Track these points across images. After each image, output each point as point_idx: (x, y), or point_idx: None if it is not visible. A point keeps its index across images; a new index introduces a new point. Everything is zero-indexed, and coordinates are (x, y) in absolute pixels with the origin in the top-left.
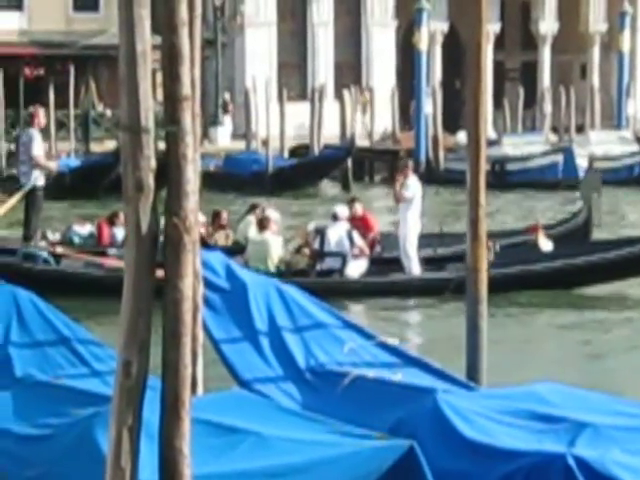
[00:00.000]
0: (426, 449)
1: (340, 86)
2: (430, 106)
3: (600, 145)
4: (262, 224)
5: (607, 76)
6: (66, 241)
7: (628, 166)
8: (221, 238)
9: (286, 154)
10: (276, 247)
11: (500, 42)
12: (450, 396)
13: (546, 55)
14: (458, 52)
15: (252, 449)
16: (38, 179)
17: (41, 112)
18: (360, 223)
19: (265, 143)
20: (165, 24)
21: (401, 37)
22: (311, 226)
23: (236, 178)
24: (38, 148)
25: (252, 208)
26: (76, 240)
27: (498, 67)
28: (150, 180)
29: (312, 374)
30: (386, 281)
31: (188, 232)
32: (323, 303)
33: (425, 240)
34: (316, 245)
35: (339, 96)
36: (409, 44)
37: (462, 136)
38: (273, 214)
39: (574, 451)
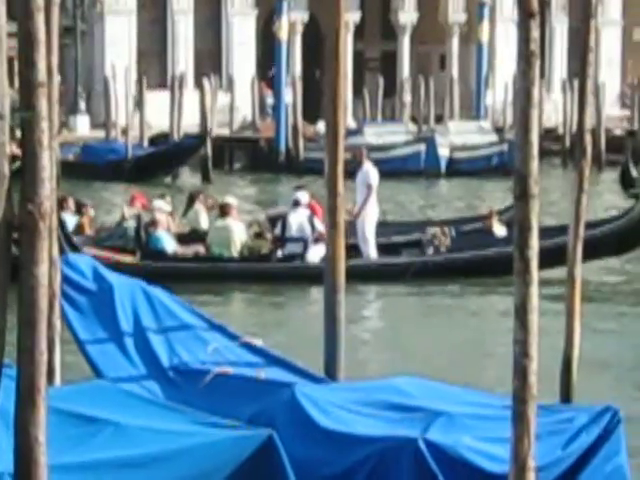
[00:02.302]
0: (283, 439)
1: (200, 75)
2: (290, 95)
3: (459, 135)
4: (223, 211)
5: (466, 67)
6: None
7: (486, 156)
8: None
9: (146, 143)
10: (238, 232)
11: (360, 32)
12: (308, 388)
13: (405, 45)
14: (318, 42)
15: (111, 439)
16: None
17: None
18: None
19: (125, 132)
20: (21, 10)
21: (261, 26)
22: (262, 216)
23: (94, 167)
24: None
25: (192, 197)
26: None
27: (358, 57)
28: (5, 167)
29: (175, 373)
30: (346, 265)
31: (43, 219)
32: (188, 305)
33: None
34: (277, 231)
35: (199, 84)
36: (269, 33)
37: (322, 125)
38: (231, 200)
39: (426, 436)
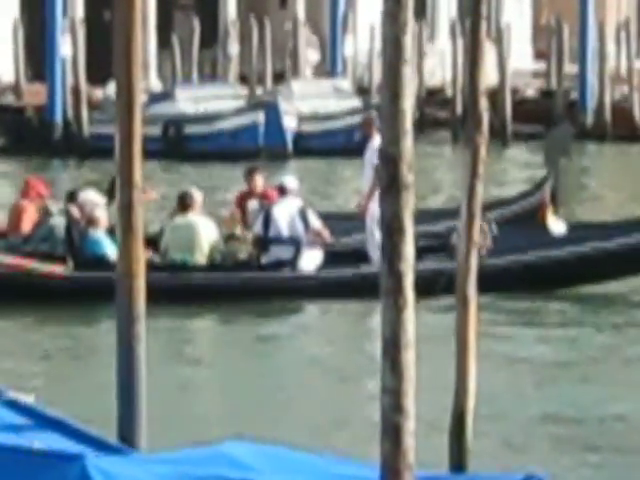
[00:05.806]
0: None
1: None
2: (69, 46)
3: (308, 99)
4: (183, 203)
5: (315, 4)
6: None
7: (346, 128)
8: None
9: None
10: (206, 232)
11: None
12: (105, 461)
13: None
14: None
15: None
16: None
17: None
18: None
19: None
20: None
21: None
22: (253, 204)
23: None
24: None
25: (114, 184)
26: None
27: None
28: None
29: None
30: (354, 275)
31: None
32: None
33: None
34: (258, 229)
35: None
36: None
37: (113, 88)
38: (193, 191)
39: None
